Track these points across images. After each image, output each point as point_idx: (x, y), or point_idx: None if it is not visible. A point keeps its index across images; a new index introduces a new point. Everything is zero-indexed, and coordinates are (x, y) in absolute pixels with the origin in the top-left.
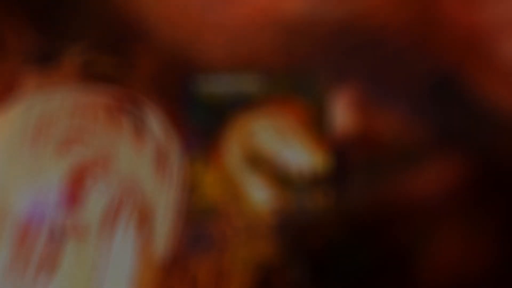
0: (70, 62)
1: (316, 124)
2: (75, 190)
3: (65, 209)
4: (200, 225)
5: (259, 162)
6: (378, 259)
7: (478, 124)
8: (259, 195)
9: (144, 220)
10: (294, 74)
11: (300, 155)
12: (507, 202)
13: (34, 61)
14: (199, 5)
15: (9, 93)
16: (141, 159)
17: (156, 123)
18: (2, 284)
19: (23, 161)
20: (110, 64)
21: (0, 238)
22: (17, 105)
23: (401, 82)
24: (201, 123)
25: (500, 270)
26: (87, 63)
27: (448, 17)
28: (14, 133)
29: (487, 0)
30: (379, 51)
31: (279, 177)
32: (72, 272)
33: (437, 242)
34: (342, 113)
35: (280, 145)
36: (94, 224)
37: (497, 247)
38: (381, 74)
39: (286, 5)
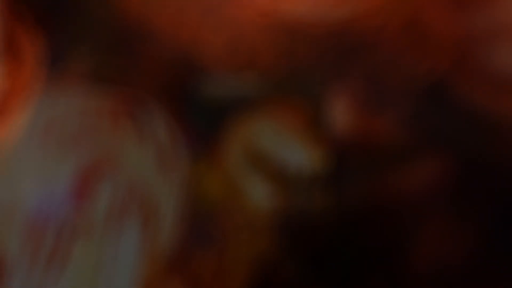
0: (76, 65)
1: (315, 124)
2: (82, 189)
3: (73, 207)
4: (201, 223)
5: (259, 162)
6: (376, 255)
7: (465, 127)
8: (260, 194)
9: (148, 219)
10: (294, 75)
11: (300, 155)
12: (489, 198)
13: (43, 65)
14: (200, 7)
15: (20, 96)
16: (145, 159)
17: (159, 124)
18: (12, 280)
19: (33, 161)
20: (113, 66)
21: (10, 235)
22: (27, 107)
23: (397, 84)
24: (203, 123)
25: (483, 260)
26: (91, 66)
27: (439, 23)
28: (24, 134)
29: (478, 7)
30: (377, 53)
31: (279, 177)
32: (79, 269)
33: (428, 236)
34: (341, 114)
35: (279, 145)
36: (100, 222)
37: (481, 240)
38: (378, 75)
39: (285, 6)
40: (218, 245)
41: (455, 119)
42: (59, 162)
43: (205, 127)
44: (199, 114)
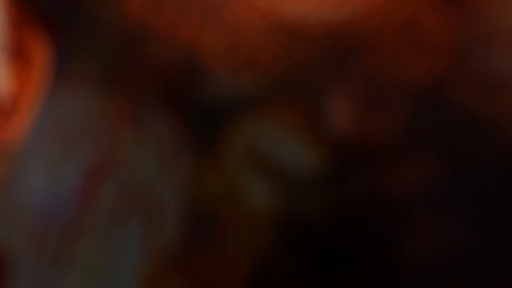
0: (81, 67)
1: (315, 124)
2: (87, 188)
3: (78, 206)
4: (203, 223)
5: (259, 162)
6: (376, 254)
7: (463, 128)
8: (260, 193)
9: (151, 218)
10: (294, 75)
11: (299, 155)
12: (485, 198)
13: (49, 67)
14: (200, 7)
15: (28, 98)
16: (148, 159)
17: (161, 124)
18: (16, 278)
19: (39, 161)
20: (116, 68)
21: (15, 234)
22: (34, 108)
23: (396, 85)
24: (203, 124)
25: (479, 257)
26: (95, 68)
27: (438, 25)
28: (31, 134)
29: (476, 9)
30: (376, 54)
31: (279, 176)
32: (83, 267)
33: (427, 235)
34: (340, 114)
35: (279, 145)
36: (104, 221)
37: (471, 235)
38: (377, 76)
39: (285, 7)
40: (219, 244)
41: (453, 120)
42: (64, 162)
43: (206, 128)
44: (200, 115)
